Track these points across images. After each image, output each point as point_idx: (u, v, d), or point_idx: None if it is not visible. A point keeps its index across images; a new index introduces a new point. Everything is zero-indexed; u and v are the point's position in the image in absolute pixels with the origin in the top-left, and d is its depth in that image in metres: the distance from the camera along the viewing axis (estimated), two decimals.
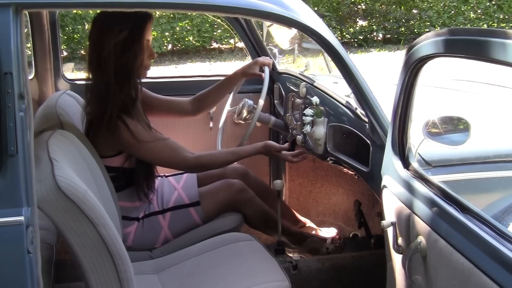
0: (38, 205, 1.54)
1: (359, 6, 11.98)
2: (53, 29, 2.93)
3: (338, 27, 11.50)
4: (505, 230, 1.27)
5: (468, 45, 1.31)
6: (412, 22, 11.87)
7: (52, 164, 1.61)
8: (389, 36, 11.88)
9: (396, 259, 1.71)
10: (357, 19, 11.95)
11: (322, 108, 2.38)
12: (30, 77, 2.91)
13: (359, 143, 2.10)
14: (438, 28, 11.48)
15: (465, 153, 1.90)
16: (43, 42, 2.89)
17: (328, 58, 2.74)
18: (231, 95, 2.90)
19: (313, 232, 2.70)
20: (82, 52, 9.66)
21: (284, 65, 3.37)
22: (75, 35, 9.77)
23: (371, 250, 2.54)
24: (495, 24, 11.95)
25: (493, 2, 12.14)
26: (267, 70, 2.66)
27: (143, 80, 2.35)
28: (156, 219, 2.37)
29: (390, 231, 1.72)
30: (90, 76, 2.26)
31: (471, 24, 11.82)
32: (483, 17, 12.07)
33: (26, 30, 2.04)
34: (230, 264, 2.09)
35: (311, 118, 2.39)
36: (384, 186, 1.78)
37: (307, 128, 2.41)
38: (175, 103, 2.70)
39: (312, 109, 2.41)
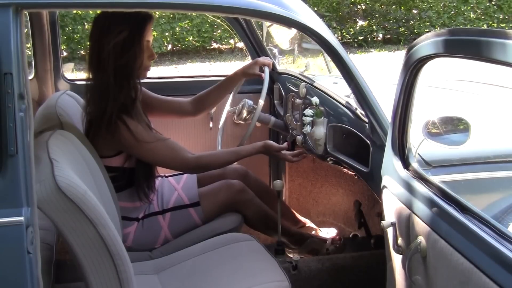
0: (38, 205, 1.54)
1: (359, 6, 11.99)
2: (53, 29, 2.94)
3: (338, 27, 11.50)
4: (505, 230, 1.27)
5: (468, 45, 1.31)
6: (412, 22, 11.88)
7: (52, 164, 1.61)
8: (389, 36, 11.88)
9: (396, 259, 1.71)
10: (357, 19, 11.95)
11: (322, 108, 2.38)
12: (30, 77, 2.91)
13: (359, 144, 2.10)
14: (438, 28, 11.49)
15: (465, 153, 1.90)
16: (43, 42, 2.89)
17: (328, 58, 2.74)
18: (231, 95, 2.90)
19: (313, 232, 2.70)
20: (82, 52, 9.66)
21: (284, 65, 3.37)
22: (75, 35, 9.77)
23: (371, 250, 2.54)
24: (495, 25, 11.96)
25: (493, 2, 12.15)
26: (267, 70, 2.66)
27: (143, 81, 2.35)
28: (156, 220, 2.37)
29: (390, 231, 1.72)
30: (90, 76, 2.26)
31: (471, 24, 11.82)
32: (483, 17, 12.08)
33: (26, 30, 2.04)
34: (230, 265, 2.09)
35: (311, 118, 2.39)
36: (384, 187, 1.78)
37: (307, 129, 2.41)
38: (175, 103, 2.70)
39: (312, 109, 2.41)
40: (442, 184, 1.53)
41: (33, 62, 2.94)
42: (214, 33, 10.65)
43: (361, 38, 11.62)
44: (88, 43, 2.28)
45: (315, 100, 2.41)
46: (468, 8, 12.05)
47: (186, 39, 10.60)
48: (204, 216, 2.41)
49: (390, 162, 1.73)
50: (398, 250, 1.65)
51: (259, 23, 3.24)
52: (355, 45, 11.46)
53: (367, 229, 2.68)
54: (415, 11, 12.00)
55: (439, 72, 3.34)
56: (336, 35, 10.60)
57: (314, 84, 2.56)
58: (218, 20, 8.53)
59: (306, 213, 2.99)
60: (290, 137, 2.73)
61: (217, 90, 2.69)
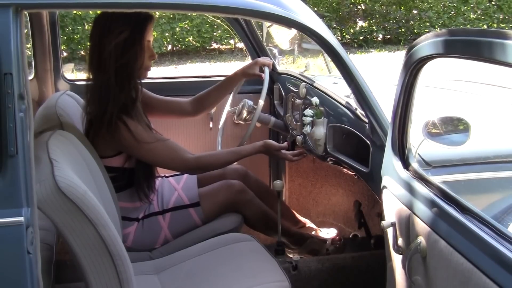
0: (38, 205, 1.54)
1: (359, 7, 11.99)
2: (53, 29, 2.94)
3: (338, 27, 11.50)
4: (505, 230, 1.27)
5: (468, 45, 1.31)
6: (412, 23, 11.88)
7: (52, 164, 1.61)
8: (389, 36, 11.88)
9: (396, 259, 1.71)
10: (357, 20, 11.96)
11: (322, 108, 2.38)
12: (30, 77, 2.91)
13: (359, 144, 2.10)
14: (438, 28, 11.49)
15: (465, 153, 1.90)
16: (43, 42, 2.89)
17: (328, 59, 2.74)
18: (231, 95, 2.90)
19: (313, 232, 2.70)
20: (82, 52, 9.67)
21: (284, 65, 3.37)
22: (75, 36, 9.77)
23: (371, 250, 2.54)
24: (495, 25, 11.96)
25: (493, 3, 12.15)
26: (267, 70, 2.65)
27: (144, 81, 2.35)
28: (156, 220, 2.37)
29: (390, 232, 1.72)
30: (91, 76, 2.26)
31: (471, 25, 11.83)
32: (483, 17, 12.08)
33: (26, 31, 2.04)
34: (230, 265, 2.09)
35: (311, 119, 2.39)
36: (384, 187, 1.78)
37: (307, 129, 2.41)
38: (175, 103, 2.69)
39: (312, 110, 2.41)
40: (442, 184, 1.53)
41: (33, 63, 2.94)
42: (214, 34, 10.66)
43: (361, 38, 11.62)
44: (88, 44, 2.28)
45: (315, 100, 2.41)
46: (468, 8, 12.05)
47: (186, 40, 10.60)
48: (204, 216, 2.41)
49: (390, 162, 1.73)
50: (398, 250, 1.65)
51: (259, 23, 3.24)
52: (355, 45, 11.46)
53: (367, 229, 2.68)
54: (415, 12, 12.00)
55: (439, 72, 3.34)
56: (336, 35, 10.60)
57: (314, 84, 2.56)
58: (218, 21, 8.54)
59: (306, 213, 2.99)
60: (290, 137, 2.73)
61: (217, 90, 2.69)
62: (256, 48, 3.22)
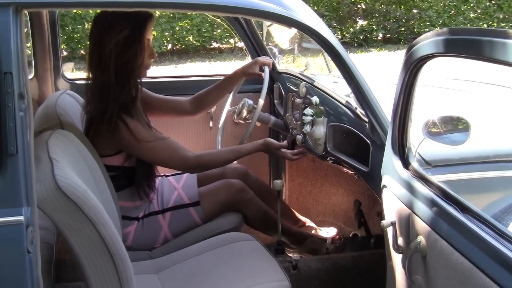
0: (38, 205, 1.54)
1: (359, 6, 11.98)
2: (53, 28, 2.93)
3: (338, 26, 11.50)
4: (505, 230, 1.27)
5: (469, 45, 1.30)
6: (412, 22, 11.88)
7: (52, 164, 1.61)
8: (389, 35, 11.88)
9: (396, 259, 1.71)
10: (357, 19, 11.95)
11: (322, 107, 2.38)
12: (30, 76, 2.91)
13: (359, 143, 2.10)
14: (438, 27, 11.48)
15: (465, 153, 1.90)
16: (43, 41, 2.89)
17: (328, 58, 2.74)
18: (231, 94, 2.90)
19: (313, 231, 2.70)
20: (82, 51, 9.66)
21: (284, 64, 3.36)
22: (75, 35, 9.77)
23: (371, 250, 2.54)
24: (495, 24, 11.95)
25: (493, 2, 12.14)
26: (267, 69, 2.65)
27: (144, 80, 2.35)
28: (156, 219, 2.37)
29: (390, 231, 1.72)
30: (91, 75, 2.26)
31: (471, 24, 11.83)
32: (483, 16, 12.08)
33: (26, 30, 2.04)
34: (230, 264, 2.09)
35: (311, 118, 2.39)
36: (384, 186, 1.78)
37: (307, 128, 2.41)
38: (175, 102, 2.69)
39: (312, 109, 2.41)
40: (442, 183, 1.53)
41: (33, 62, 2.94)
42: (214, 33, 10.65)
43: (361, 37, 11.62)
44: (88, 43, 2.28)
45: (315, 99, 2.41)
46: (468, 7, 12.05)
47: (186, 39, 10.60)
48: (204, 216, 2.41)
49: (390, 161, 1.73)
50: (398, 249, 1.65)
51: (259, 22, 3.24)
52: (355, 44, 11.46)
53: (367, 228, 2.68)
54: (415, 11, 12.00)
55: (439, 72, 3.34)
56: (336, 34, 10.59)
57: (314, 83, 2.56)
58: (218, 20, 8.53)
59: (306, 213, 2.99)
60: (290, 136, 2.73)
61: (216, 89, 2.69)
62: (256, 47, 3.22)
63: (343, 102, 2.27)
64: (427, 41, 1.47)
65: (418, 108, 1.65)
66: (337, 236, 2.66)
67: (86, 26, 9.51)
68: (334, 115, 2.33)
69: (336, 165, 2.41)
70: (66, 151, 1.81)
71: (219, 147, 2.82)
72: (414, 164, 1.67)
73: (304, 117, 2.42)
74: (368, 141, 2.01)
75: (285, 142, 2.61)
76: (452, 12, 12.03)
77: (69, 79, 3.08)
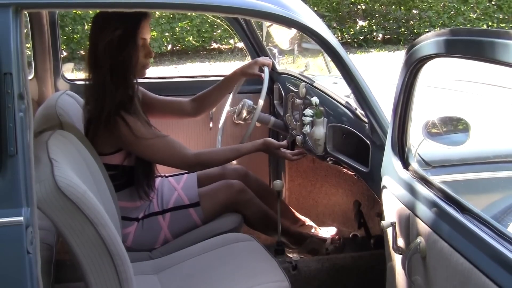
0: (37, 205, 1.54)
1: (359, 6, 11.99)
2: (52, 29, 2.93)
3: (338, 27, 11.50)
4: (504, 230, 1.27)
5: (469, 45, 1.30)
6: (412, 23, 11.88)
7: (51, 164, 1.61)
8: (389, 36, 11.88)
9: (396, 259, 1.71)
10: (357, 19, 11.95)
11: (321, 108, 2.38)
12: (30, 77, 2.91)
13: (358, 144, 2.10)
14: (438, 28, 11.49)
15: (465, 153, 1.90)
16: (43, 42, 2.89)
17: (328, 59, 2.73)
18: (231, 95, 2.90)
19: (313, 230, 2.70)
20: (82, 52, 9.66)
21: (283, 65, 3.36)
22: (75, 35, 9.77)
23: (370, 250, 2.54)
24: (495, 25, 11.95)
25: (493, 2, 12.15)
26: (266, 70, 2.65)
27: (143, 80, 2.35)
28: (156, 220, 2.37)
29: (389, 232, 1.72)
30: (88, 75, 2.26)
31: (471, 25, 11.82)
32: (482, 17, 12.07)
33: (26, 30, 2.04)
34: (230, 265, 2.09)
35: (311, 119, 2.39)
36: (384, 187, 1.78)
37: (307, 129, 2.41)
38: (176, 103, 2.69)
39: (311, 110, 2.41)
40: (442, 184, 1.53)
41: (32, 62, 2.94)
42: (214, 33, 10.65)
43: (361, 38, 11.62)
44: (88, 43, 2.29)
45: (315, 100, 2.41)
46: (468, 8, 12.05)
47: (186, 39, 10.60)
48: (204, 217, 2.41)
49: (390, 162, 1.73)
50: (397, 250, 1.65)
51: (259, 23, 3.24)
52: (355, 45, 11.46)
53: (366, 229, 2.68)
54: (415, 11, 12.00)
55: (439, 72, 3.34)
56: (336, 35, 10.60)
57: (314, 84, 2.56)
58: (218, 20, 8.53)
59: (306, 213, 2.99)
60: (290, 137, 2.73)
61: (216, 90, 2.69)
62: (256, 48, 3.22)
63: (343, 102, 2.27)
64: (427, 42, 1.47)
65: (418, 108, 1.65)
66: (337, 236, 2.66)
67: (86, 27, 9.51)
68: (334, 116, 2.33)
69: (336, 166, 2.41)
70: (66, 152, 1.81)
71: (219, 147, 2.82)
72: (414, 164, 1.67)
73: (304, 118, 2.42)
74: (367, 141, 2.01)
75: (285, 141, 2.61)
76: (452, 12, 12.03)
77: (69, 80, 3.08)
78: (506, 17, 12.18)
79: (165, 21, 10.23)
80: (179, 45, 10.71)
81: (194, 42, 10.69)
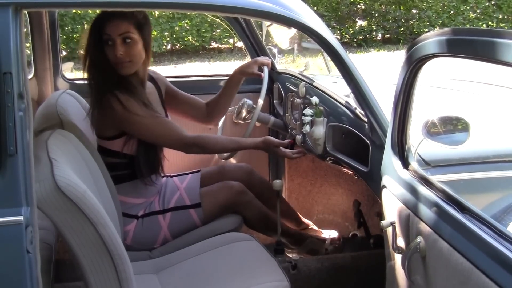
0: (37, 205, 1.54)
1: (358, 6, 11.98)
2: (52, 28, 2.94)
3: (338, 27, 11.49)
4: (504, 230, 1.27)
5: (470, 45, 1.30)
6: (412, 22, 11.87)
7: (51, 163, 1.61)
8: (388, 36, 11.88)
9: (396, 259, 1.71)
10: (357, 19, 11.95)
11: (321, 108, 2.38)
12: (30, 76, 2.91)
13: (358, 143, 2.10)
14: (438, 28, 11.49)
15: (465, 153, 1.90)
16: (43, 41, 2.89)
17: (328, 58, 2.73)
18: None
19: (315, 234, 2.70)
20: (81, 51, 9.64)
21: (283, 65, 3.36)
22: (75, 35, 9.76)
23: (370, 250, 2.54)
24: (494, 24, 11.95)
25: (492, 2, 12.14)
26: (266, 69, 2.65)
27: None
28: (156, 219, 2.36)
29: (389, 231, 1.72)
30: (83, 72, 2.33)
31: (470, 24, 11.82)
32: (482, 17, 12.07)
33: (25, 30, 2.04)
34: (230, 264, 2.09)
35: (311, 118, 2.39)
36: (384, 186, 1.78)
37: (307, 128, 2.41)
38: (197, 102, 2.67)
39: (311, 109, 2.41)
40: (442, 183, 1.53)
41: (32, 62, 2.94)
42: (214, 33, 10.64)
43: (361, 37, 11.61)
44: None
45: (314, 99, 2.40)
46: (468, 7, 12.05)
47: (186, 39, 10.59)
48: (204, 217, 2.40)
49: (390, 161, 1.73)
50: (397, 250, 1.65)
51: (259, 22, 3.23)
52: (355, 44, 11.46)
53: (366, 228, 2.68)
54: (414, 11, 12.00)
55: (439, 72, 3.34)
56: (335, 34, 10.59)
57: (314, 83, 2.56)
58: (218, 20, 8.52)
59: (305, 213, 2.99)
60: (290, 136, 2.73)
61: (222, 95, 2.67)
62: (256, 47, 3.22)
63: (343, 102, 2.27)
64: (427, 41, 1.46)
65: (417, 108, 1.65)
66: (337, 237, 2.66)
67: (85, 26, 9.50)
68: (333, 115, 2.33)
69: (336, 165, 2.41)
70: (66, 151, 1.81)
71: None
72: (414, 164, 1.67)
73: (303, 117, 2.42)
74: (367, 141, 2.01)
75: (287, 140, 2.61)
76: (452, 12, 12.02)
77: (69, 79, 3.08)
78: (505, 17, 12.18)
79: (164, 21, 10.22)
80: (178, 45, 10.71)
81: (194, 42, 10.69)
